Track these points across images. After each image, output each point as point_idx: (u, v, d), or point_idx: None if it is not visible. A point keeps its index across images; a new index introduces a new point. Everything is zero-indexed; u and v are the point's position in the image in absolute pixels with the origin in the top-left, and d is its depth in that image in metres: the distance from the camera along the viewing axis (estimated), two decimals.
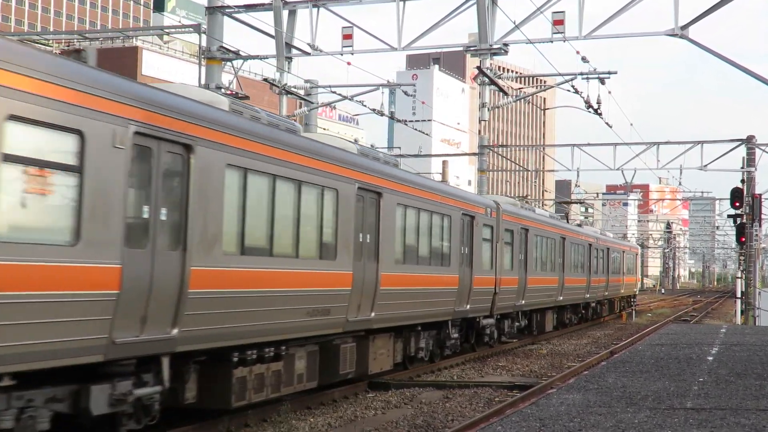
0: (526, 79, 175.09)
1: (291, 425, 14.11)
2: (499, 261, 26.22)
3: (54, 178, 9.42)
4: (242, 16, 29.70)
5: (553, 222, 35.40)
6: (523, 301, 29.28)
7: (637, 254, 61.55)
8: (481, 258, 24.39)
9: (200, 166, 11.70)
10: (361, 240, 16.93)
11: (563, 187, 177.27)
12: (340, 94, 35.31)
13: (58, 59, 9.87)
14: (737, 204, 42.78)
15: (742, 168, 45.12)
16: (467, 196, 24.65)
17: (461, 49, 32.00)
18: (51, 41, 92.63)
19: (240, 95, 31.36)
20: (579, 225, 48.64)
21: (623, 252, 53.10)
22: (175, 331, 11.24)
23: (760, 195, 45.30)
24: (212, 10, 27.87)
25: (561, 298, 34.97)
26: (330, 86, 35.24)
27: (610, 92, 37.55)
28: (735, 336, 30.01)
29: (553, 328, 35.52)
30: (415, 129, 45.75)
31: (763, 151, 44.53)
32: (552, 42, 28.17)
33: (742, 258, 46.89)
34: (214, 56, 27.88)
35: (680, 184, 53.46)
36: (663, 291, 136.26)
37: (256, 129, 13.33)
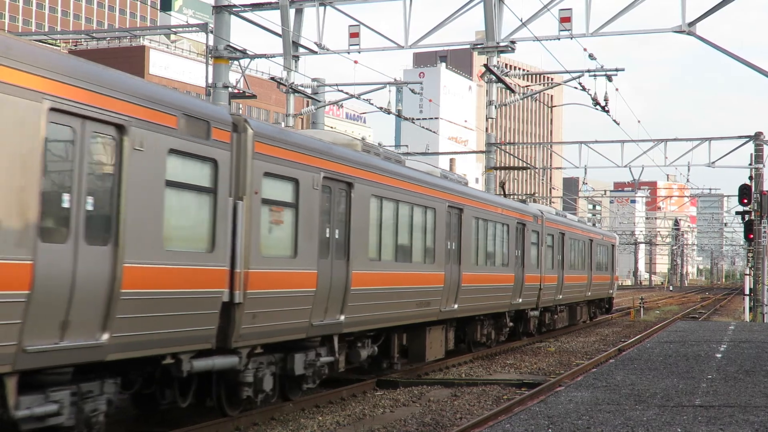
0: (534, 76, 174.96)
1: (299, 423, 14.13)
2: (247, 239, 12.82)
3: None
4: (249, 15, 29.79)
5: (428, 178, 20.26)
6: (343, 317, 15.78)
7: (614, 245, 45.52)
8: (146, 228, 10.97)
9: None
10: None
11: (571, 184, 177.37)
12: (347, 93, 35.36)
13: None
14: (745, 201, 42.67)
15: (750, 165, 45.00)
16: (74, 69, 9.94)
17: (468, 46, 32.09)
18: (58, 41, 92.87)
19: (247, 94, 31.52)
20: (506, 196, 34.06)
21: (591, 241, 38.85)
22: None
23: None
24: (219, 9, 27.93)
25: (456, 306, 21.47)
26: (337, 84, 35.32)
27: (617, 89, 37.59)
28: (743, 333, 29.98)
29: (447, 354, 22.41)
30: (423, 127, 45.81)
31: None
32: (559, 39, 28.23)
33: (750, 255, 46.80)
34: (222, 55, 27.94)
35: (688, 181, 53.37)
36: (671, 288, 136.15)
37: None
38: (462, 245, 21.95)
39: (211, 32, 28.27)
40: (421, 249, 19.50)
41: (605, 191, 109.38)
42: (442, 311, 20.74)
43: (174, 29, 68.28)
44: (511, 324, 27.56)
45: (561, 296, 32.76)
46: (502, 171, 37.89)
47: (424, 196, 19.60)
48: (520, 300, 27.36)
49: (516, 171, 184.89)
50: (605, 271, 42.63)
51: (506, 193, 34.19)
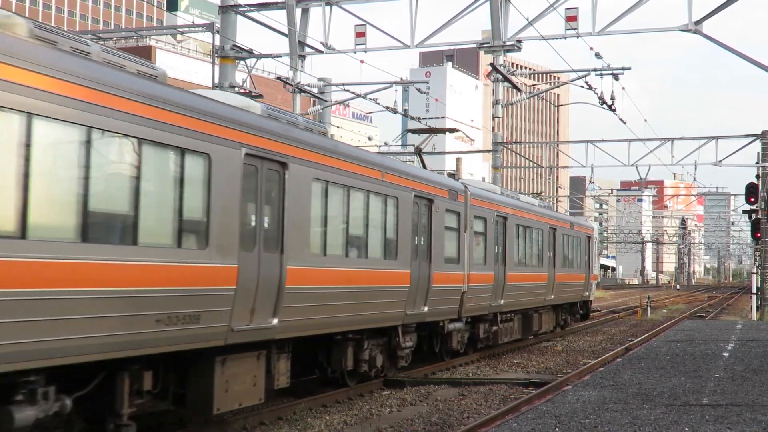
0: (540, 75, 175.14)
1: (306, 423, 14.14)
2: None
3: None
4: (255, 14, 29.84)
5: (189, 100, 11.41)
6: None
7: (590, 237, 36.32)
8: None
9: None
10: None
11: (578, 183, 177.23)
12: (353, 92, 35.39)
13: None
14: (752, 199, 42.63)
15: (757, 163, 44.96)
16: None
17: (474, 46, 32.07)
18: None
19: (254, 94, 31.56)
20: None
21: (554, 230, 29.88)
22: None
23: None
24: (225, 9, 27.98)
25: (275, 321, 13.03)
26: (343, 84, 35.35)
27: (623, 88, 37.59)
28: (750, 332, 29.94)
29: (281, 394, 15.63)
30: (429, 126, 45.81)
31: None
32: (565, 38, 28.24)
33: (757, 253, 46.75)
34: (228, 55, 28.00)
35: (695, 179, 53.33)
36: (678, 287, 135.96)
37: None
38: (286, 223, 13.27)
39: (218, 32, 28.31)
40: (170, 223, 10.83)
41: (612, 190, 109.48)
42: (237, 331, 12.05)
43: (180, 29, 68.39)
44: (409, 344, 18.96)
45: (503, 301, 24.46)
46: (419, 134, 25.95)
47: (178, 129, 10.86)
48: (426, 308, 19.15)
49: (524, 170, 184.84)
50: (577, 269, 33.59)
51: (425, 164, 23.54)
